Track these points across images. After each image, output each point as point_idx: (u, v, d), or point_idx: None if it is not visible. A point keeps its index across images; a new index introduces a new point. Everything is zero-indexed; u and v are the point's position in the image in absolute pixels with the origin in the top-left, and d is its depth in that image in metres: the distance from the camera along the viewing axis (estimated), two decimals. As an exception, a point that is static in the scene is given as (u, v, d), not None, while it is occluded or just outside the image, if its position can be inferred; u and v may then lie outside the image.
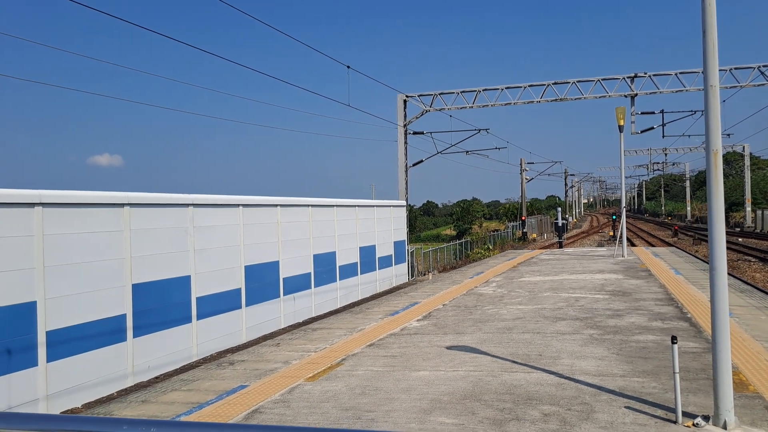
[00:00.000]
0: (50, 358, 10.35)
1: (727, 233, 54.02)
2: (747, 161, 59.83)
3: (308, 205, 18.46)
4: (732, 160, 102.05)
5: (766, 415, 5.36)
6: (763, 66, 26.36)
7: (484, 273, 18.38)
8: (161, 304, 12.97)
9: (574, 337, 8.79)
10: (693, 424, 5.18)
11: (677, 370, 5.28)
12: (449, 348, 8.41)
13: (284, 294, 16.82)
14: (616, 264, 19.20)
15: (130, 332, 12.20)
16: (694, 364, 7.08)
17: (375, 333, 9.81)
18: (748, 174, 59.08)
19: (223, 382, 7.31)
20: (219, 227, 14.81)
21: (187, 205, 13.93)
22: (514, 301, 12.32)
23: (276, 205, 16.75)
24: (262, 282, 16.11)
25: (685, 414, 5.33)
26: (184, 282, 13.72)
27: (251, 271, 15.68)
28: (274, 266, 16.57)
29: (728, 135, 43.21)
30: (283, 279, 16.84)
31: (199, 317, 14.04)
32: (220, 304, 14.62)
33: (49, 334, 10.33)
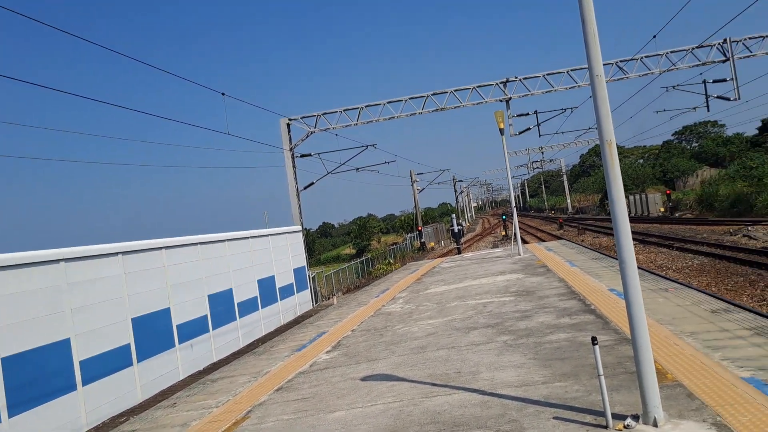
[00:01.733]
0: None
1: (604, 219, 57.66)
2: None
3: (197, 243, 17.33)
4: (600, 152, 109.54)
5: (691, 404, 5.25)
6: (621, 61, 28.22)
7: (390, 290, 18.04)
8: (38, 375, 11.51)
9: (489, 346, 8.54)
10: (624, 426, 4.96)
11: (602, 372, 5.05)
12: (364, 379, 7.87)
13: (180, 342, 15.58)
14: (515, 263, 19.53)
15: (3, 413, 10.70)
16: (609, 358, 6.98)
17: (282, 374, 9.07)
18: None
19: (111, 462, 6.33)
20: (99, 280, 13.48)
21: (58, 260, 12.54)
22: (424, 316, 12.00)
23: (160, 248, 15.53)
24: (154, 333, 14.83)
25: (614, 416, 5.11)
26: (63, 346, 12.30)
27: (140, 323, 14.39)
28: (165, 314, 15.32)
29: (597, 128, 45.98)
30: (177, 326, 15.61)
31: (85, 382, 12.63)
32: (108, 364, 13.26)
33: None
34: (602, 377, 5.05)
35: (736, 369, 5.98)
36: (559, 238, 39.20)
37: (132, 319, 14.06)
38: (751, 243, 25.45)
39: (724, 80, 28.26)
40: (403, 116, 30.82)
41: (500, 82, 30.22)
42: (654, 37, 26.78)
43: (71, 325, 12.37)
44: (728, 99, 28.46)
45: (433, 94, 30.34)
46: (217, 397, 8.46)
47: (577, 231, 46.57)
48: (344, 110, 30.77)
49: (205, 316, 17.08)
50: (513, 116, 31.27)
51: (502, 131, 22.88)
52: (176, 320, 15.65)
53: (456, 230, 36.99)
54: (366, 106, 30.63)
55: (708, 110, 30.74)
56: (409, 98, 30.51)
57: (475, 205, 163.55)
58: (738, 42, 27.84)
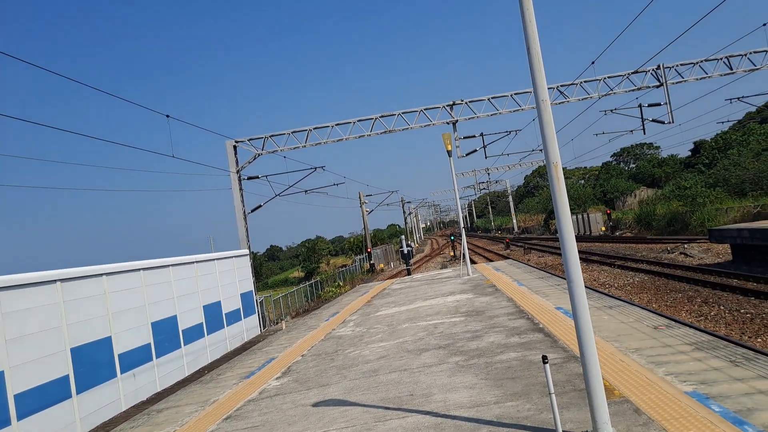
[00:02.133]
0: None
1: (549, 239, 59.04)
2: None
3: (139, 269, 16.79)
4: (544, 173, 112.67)
5: (638, 419, 5.36)
6: (562, 86, 29.18)
7: (340, 313, 17.90)
8: (-33, 411, 10.87)
9: (441, 367, 8.54)
10: (575, 444, 5.02)
11: (552, 390, 5.12)
12: (315, 405, 7.73)
13: (122, 372, 15.00)
14: (464, 283, 19.71)
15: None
16: (559, 376, 7.08)
17: (231, 402, 8.83)
18: (560, 184, 65.19)
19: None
20: (35, 309, 12.87)
21: (-9, 289, 11.92)
22: (375, 339, 11.93)
23: (101, 275, 14.98)
24: (94, 363, 14.23)
25: (565, 434, 5.18)
26: (-4, 380, 11.65)
27: (80, 353, 13.79)
28: (106, 343, 14.74)
29: (540, 150, 47.38)
30: (119, 355, 15.03)
31: (20, 417, 11.98)
32: (45, 396, 12.63)
33: None
34: (553, 395, 5.12)
35: (680, 383, 6.16)
36: (506, 257, 39.86)
37: (71, 349, 13.47)
38: (688, 260, 26.52)
39: (659, 104, 29.58)
40: (351, 138, 30.92)
41: (447, 105, 30.74)
42: (592, 63, 27.83)
43: (5, 357, 11.75)
44: (663, 122, 29.77)
45: (382, 117, 30.59)
46: (163, 427, 8.15)
47: (524, 251, 47.50)
48: (292, 132, 30.65)
49: (149, 344, 16.52)
50: (460, 138, 31.79)
51: (450, 153, 23.21)
52: (118, 349, 15.07)
53: (405, 251, 37.13)
54: (314, 128, 30.60)
55: (644, 133, 32.10)
56: (358, 120, 30.67)
57: (424, 226, 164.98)
58: (671, 68, 29.26)
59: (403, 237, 40.32)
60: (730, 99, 33.72)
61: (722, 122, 56.28)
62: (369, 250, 54.44)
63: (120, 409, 14.61)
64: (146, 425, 8.60)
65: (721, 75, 29.50)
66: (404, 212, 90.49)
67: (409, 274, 36.29)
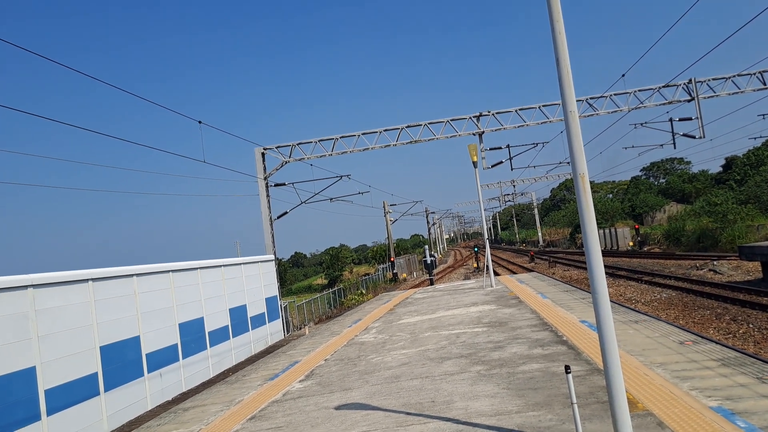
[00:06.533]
0: None
1: (575, 253, 58.45)
2: (585, 186, 65.41)
3: (168, 271, 17.12)
4: (571, 186, 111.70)
5: (661, 432, 5.36)
6: (591, 98, 29.04)
7: (363, 320, 18.00)
8: (0, 404, 11.19)
9: (463, 376, 8.58)
10: (597, 454, 5.04)
11: (575, 400, 5.14)
12: (338, 408, 7.84)
13: (149, 371, 15.28)
14: (487, 295, 19.67)
15: (-40, 446, 10.36)
16: (582, 388, 7.08)
17: (255, 403, 8.98)
18: (587, 197, 64.56)
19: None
20: (67, 307, 13.23)
21: (26, 286, 12.29)
22: (397, 346, 12.01)
23: (131, 275, 15.31)
24: (123, 361, 14.54)
25: (587, 444, 5.19)
26: (28, 375, 11.99)
27: (108, 352, 14.11)
28: (135, 342, 15.05)
29: (567, 163, 47.07)
30: (146, 355, 15.33)
31: (50, 412, 12.29)
32: (74, 393, 12.95)
33: None
34: (575, 405, 5.14)
35: (705, 398, 6.13)
36: (530, 270, 39.58)
37: (100, 348, 13.79)
38: (717, 277, 26.07)
39: (690, 119, 29.26)
40: (377, 147, 31.13)
41: (473, 116, 30.79)
42: (623, 76, 27.73)
43: (37, 353, 12.09)
44: (694, 137, 29.42)
45: (408, 127, 30.76)
46: (190, 426, 8.33)
47: (548, 264, 47.12)
48: (319, 140, 30.98)
49: (176, 344, 16.81)
50: (486, 150, 31.79)
51: (475, 164, 23.22)
52: (146, 349, 15.37)
53: (429, 261, 37.12)
54: (341, 137, 30.89)
55: (674, 147, 31.72)
56: (384, 130, 30.88)
57: (447, 237, 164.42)
58: (702, 82, 28.93)
59: (426, 247, 40.31)
60: (763, 114, 33.24)
61: (755, 138, 55.39)
62: (392, 259, 54.51)
63: (146, 407, 14.88)
64: (173, 423, 8.79)
65: (754, 90, 29.08)
66: (428, 222, 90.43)
67: (432, 284, 36.25)
